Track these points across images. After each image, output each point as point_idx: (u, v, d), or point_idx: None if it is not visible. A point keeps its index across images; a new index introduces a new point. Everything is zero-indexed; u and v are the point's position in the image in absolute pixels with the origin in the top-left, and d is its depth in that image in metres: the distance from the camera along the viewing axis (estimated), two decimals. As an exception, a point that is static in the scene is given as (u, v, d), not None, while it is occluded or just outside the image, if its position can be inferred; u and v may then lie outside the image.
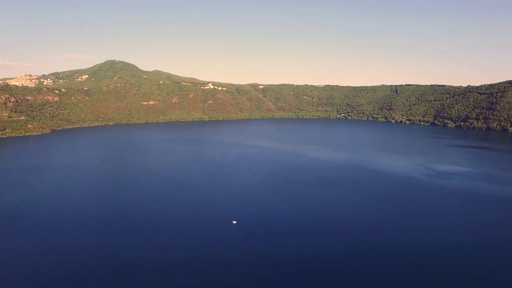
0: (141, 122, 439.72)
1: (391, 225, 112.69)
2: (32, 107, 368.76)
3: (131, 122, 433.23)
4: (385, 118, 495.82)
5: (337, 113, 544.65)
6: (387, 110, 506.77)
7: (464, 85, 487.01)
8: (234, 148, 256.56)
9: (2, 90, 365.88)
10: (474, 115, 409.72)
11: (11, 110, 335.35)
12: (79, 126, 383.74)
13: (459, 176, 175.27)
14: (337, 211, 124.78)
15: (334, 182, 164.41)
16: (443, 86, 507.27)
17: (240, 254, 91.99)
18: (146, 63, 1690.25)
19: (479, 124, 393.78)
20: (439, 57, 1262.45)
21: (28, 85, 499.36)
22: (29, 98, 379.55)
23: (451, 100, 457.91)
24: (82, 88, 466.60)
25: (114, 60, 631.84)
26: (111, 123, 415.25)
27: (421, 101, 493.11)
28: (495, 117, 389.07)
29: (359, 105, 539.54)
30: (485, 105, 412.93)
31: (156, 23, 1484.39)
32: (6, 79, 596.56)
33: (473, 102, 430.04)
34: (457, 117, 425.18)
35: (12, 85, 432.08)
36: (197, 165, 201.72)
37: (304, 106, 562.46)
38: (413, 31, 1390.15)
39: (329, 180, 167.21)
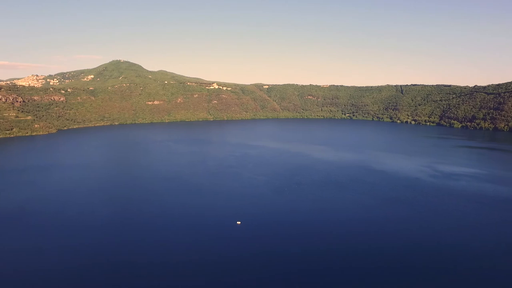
0: (146, 122, 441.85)
1: (397, 226, 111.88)
2: (38, 107, 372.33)
3: (136, 122, 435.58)
4: (391, 118, 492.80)
5: (342, 113, 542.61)
6: (393, 110, 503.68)
7: (471, 85, 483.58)
8: (239, 148, 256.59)
9: (10, 90, 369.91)
10: (481, 115, 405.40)
11: (18, 110, 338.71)
12: (84, 126, 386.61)
13: (465, 177, 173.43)
14: (342, 212, 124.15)
15: (339, 182, 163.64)
16: (449, 86, 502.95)
17: (244, 254, 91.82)
18: (151, 63, 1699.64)
19: (486, 125, 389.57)
20: (445, 57, 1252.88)
21: (35, 85, 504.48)
22: (35, 98, 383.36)
23: (458, 100, 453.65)
24: (88, 88, 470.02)
25: (120, 60, 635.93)
26: (116, 123, 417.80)
27: (427, 101, 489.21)
28: (503, 117, 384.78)
29: (364, 105, 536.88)
30: (492, 105, 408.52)
31: (161, 23, 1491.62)
32: (13, 79, 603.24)
33: (480, 102, 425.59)
34: (463, 117, 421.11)
35: (19, 85, 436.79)
36: (202, 165, 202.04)
37: (308, 106, 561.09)
38: (419, 30, 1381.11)
39: (334, 181, 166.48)
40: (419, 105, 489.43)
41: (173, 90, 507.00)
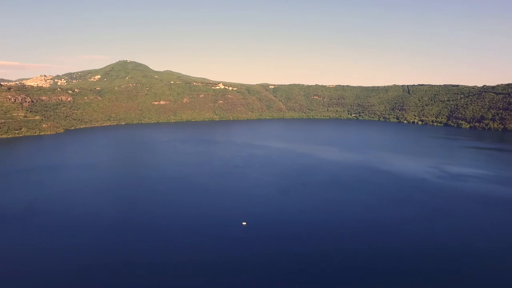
0: (152, 122, 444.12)
1: (403, 226, 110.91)
2: (46, 107, 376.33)
3: (142, 121, 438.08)
4: (397, 118, 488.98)
5: (348, 114, 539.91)
6: (399, 111, 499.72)
7: (479, 85, 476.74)
8: (245, 148, 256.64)
9: (19, 91, 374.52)
10: (490, 116, 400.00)
11: (27, 110, 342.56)
12: (91, 125, 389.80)
13: (473, 178, 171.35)
14: (347, 213, 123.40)
15: (345, 183, 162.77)
16: (457, 86, 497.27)
17: (249, 255, 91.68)
18: (158, 63, 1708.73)
19: (495, 125, 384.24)
20: (453, 57, 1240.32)
21: (43, 86, 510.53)
22: (43, 98, 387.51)
23: (466, 100, 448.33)
24: (95, 88, 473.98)
25: (126, 60, 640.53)
26: (122, 123, 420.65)
27: (434, 101, 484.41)
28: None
29: (371, 105, 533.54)
30: (501, 105, 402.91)
31: (167, 24, 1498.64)
32: (22, 79, 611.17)
33: (488, 102, 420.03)
34: (471, 117, 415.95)
35: (28, 86, 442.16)
36: (208, 165, 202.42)
37: (314, 106, 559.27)
38: (427, 30, 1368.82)
39: (340, 181, 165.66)
40: (426, 105, 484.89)
41: (179, 90, 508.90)
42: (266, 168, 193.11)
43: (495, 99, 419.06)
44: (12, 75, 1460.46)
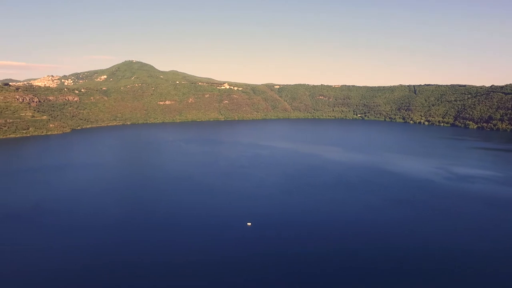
0: (158, 121, 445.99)
1: (408, 227, 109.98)
2: (53, 107, 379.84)
3: (148, 121, 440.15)
4: (403, 118, 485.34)
5: (354, 114, 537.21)
6: (405, 111, 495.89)
7: (487, 84, 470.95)
8: (250, 149, 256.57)
9: (27, 91, 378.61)
10: (498, 116, 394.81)
11: (34, 110, 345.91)
12: (97, 125, 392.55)
13: (480, 179, 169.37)
14: (352, 213, 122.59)
15: (350, 183, 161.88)
16: (464, 86, 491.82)
17: (254, 256, 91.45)
18: (163, 63, 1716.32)
19: (504, 126, 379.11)
20: (460, 57, 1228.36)
21: (50, 86, 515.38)
22: (51, 98, 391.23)
23: (473, 101, 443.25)
24: (101, 88, 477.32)
25: (132, 60, 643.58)
26: (128, 123, 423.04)
27: (441, 102, 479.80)
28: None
29: (376, 106, 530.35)
30: (510, 105, 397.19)
31: (173, 24, 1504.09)
32: (30, 79, 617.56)
33: (497, 102, 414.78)
34: (479, 118, 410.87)
35: (36, 86, 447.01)
36: (213, 165, 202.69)
37: (320, 107, 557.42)
38: (433, 30, 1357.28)
39: (345, 182, 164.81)
40: (433, 106, 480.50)
41: (184, 90, 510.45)
42: (271, 169, 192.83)
43: (503, 99, 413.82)
44: (20, 76, 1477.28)
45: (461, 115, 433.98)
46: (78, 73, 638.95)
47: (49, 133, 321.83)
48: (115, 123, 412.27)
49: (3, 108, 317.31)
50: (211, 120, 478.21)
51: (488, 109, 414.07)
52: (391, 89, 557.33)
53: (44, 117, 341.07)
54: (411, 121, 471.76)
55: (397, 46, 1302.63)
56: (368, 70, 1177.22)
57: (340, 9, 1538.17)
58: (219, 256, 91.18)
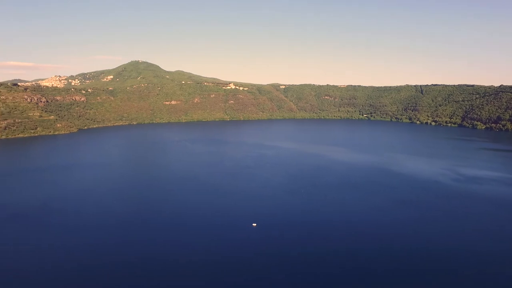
0: (164, 121, 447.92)
1: (414, 228, 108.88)
2: (60, 107, 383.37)
3: (154, 121, 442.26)
4: (410, 119, 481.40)
5: (360, 114, 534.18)
6: (412, 111, 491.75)
7: (496, 84, 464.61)
8: (256, 149, 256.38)
9: (35, 91, 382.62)
10: (508, 116, 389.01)
11: (42, 110, 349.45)
12: (104, 125, 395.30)
13: (489, 181, 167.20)
14: (358, 214, 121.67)
15: (356, 184, 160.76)
16: (472, 86, 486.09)
17: (259, 257, 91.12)
18: (169, 64, 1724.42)
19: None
20: (467, 57, 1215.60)
21: (58, 86, 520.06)
22: (58, 98, 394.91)
23: (481, 101, 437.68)
24: (107, 88, 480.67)
25: (138, 60, 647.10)
26: (134, 123, 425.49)
27: (448, 102, 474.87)
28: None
29: (383, 106, 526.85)
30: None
31: (178, 24, 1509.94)
32: (38, 80, 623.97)
33: (506, 102, 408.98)
34: (487, 118, 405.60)
35: (43, 86, 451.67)
36: (219, 165, 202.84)
37: (325, 107, 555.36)
38: (440, 30, 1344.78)
39: (351, 183, 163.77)
40: (440, 106, 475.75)
41: (190, 90, 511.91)
42: (277, 169, 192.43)
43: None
44: (28, 76, 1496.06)
45: (469, 116, 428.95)
46: (85, 73, 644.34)
47: (56, 133, 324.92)
48: (121, 123, 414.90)
49: (12, 108, 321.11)
50: (217, 120, 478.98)
51: (497, 109, 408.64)
52: (398, 89, 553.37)
53: (52, 117, 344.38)
54: (418, 122, 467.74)
55: (404, 46, 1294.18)
56: (374, 70, 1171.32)
57: (345, 9, 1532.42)
58: (224, 257, 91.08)
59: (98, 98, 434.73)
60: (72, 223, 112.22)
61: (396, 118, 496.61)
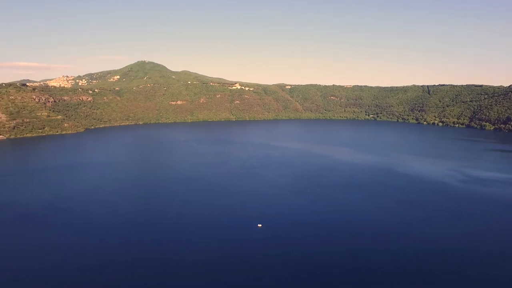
0: (170, 121, 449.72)
1: (420, 229, 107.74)
2: (68, 106, 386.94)
3: (160, 121, 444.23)
4: (416, 119, 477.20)
5: (366, 114, 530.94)
6: (419, 111, 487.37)
7: (506, 84, 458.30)
8: (261, 149, 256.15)
9: (43, 91, 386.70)
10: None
11: (50, 110, 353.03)
12: (110, 125, 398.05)
13: (497, 183, 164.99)
14: (364, 215, 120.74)
15: (362, 185, 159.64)
16: (480, 86, 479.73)
17: (264, 258, 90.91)
18: (175, 64, 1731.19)
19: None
20: (476, 56, 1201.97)
21: (65, 86, 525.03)
22: (65, 98, 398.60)
23: (490, 101, 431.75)
24: (114, 89, 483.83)
25: (144, 61, 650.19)
26: (140, 123, 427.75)
27: (456, 102, 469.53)
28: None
29: (389, 106, 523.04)
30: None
31: (184, 24, 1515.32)
32: (46, 80, 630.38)
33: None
34: (496, 119, 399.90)
35: (51, 86, 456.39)
36: (224, 165, 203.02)
37: (331, 107, 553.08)
38: (448, 30, 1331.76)
39: (357, 183, 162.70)
40: (447, 106, 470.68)
41: (196, 90, 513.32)
42: (282, 169, 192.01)
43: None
44: (36, 76, 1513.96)
45: (477, 116, 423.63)
46: (92, 74, 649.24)
47: (63, 132, 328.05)
48: (127, 123, 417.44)
49: (21, 108, 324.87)
50: (222, 120, 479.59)
51: (506, 109, 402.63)
52: (404, 89, 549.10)
53: (59, 116, 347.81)
54: (425, 122, 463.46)
55: (411, 46, 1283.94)
56: (381, 70, 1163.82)
57: (352, 9, 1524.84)
58: (229, 257, 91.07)
59: (105, 98, 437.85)
60: (79, 222, 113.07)
61: (402, 118, 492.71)
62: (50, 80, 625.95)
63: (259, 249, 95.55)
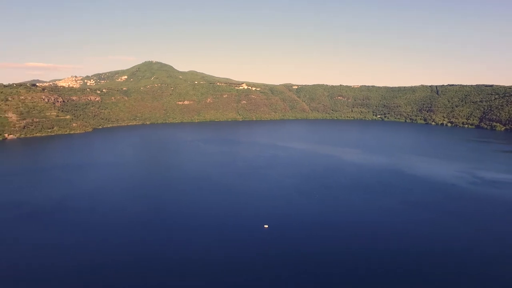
0: (177, 121, 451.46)
1: (428, 231, 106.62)
2: (76, 106, 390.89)
3: (167, 121, 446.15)
4: (425, 120, 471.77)
5: (373, 115, 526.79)
6: (427, 112, 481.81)
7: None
8: (268, 149, 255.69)
9: (52, 91, 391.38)
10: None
11: (59, 110, 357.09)
12: (118, 125, 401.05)
13: (508, 185, 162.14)
14: (371, 216, 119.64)
15: (369, 187, 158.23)
16: (491, 86, 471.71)
17: (271, 259, 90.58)
18: (182, 64, 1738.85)
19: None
20: (486, 56, 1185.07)
21: (74, 86, 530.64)
22: (74, 98, 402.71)
23: (501, 101, 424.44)
24: (122, 89, 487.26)
25: (152, 61, 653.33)
26: (147, 122, 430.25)
27: (465, 102, 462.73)
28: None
29: (397, 106, 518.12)
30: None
31: (192, 24, 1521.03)
32: (55, 80, 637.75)
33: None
34: (507, 119, 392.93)
35: (60, 86, 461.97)
36: (231, 165, 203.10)
37: (338, 107, 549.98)
38: (457, 29, 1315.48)
39: (364, 185, 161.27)
40: (457, 106, 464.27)
41: (203, 90, 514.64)
42: (289, 169, 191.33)
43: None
44: (46, 76, 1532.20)
45: (487, 117, 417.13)
46: (100, 74, 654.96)
47: (72, 132, 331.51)
48: (135, 123, 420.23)
49: (31, 108, 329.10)
50: (229, 120, 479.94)
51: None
52: (412, 89, 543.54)
53: (68, 116, 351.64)
54: (433, 123, 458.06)
55: (419, 46, 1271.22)
56: (388, 70, 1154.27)
57: (359, 9, 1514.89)
58: (235, 257, 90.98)
59: (113, 98, 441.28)
60: (86, 221, 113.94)
61: (410, 119, 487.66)
62: (59, 80, 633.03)
63: (266, 250, 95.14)
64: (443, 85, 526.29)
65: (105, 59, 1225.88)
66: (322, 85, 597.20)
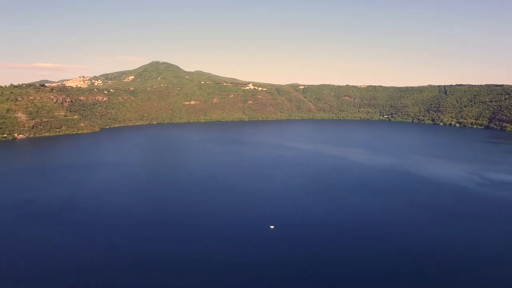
0: (183, 121, 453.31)
1: (435, 232, 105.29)
2: (84, 106, 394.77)
3: (173, 121, 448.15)
4: (432, 120, 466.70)
5: (380, 115, 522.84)
6: (435, 112, 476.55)
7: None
8: (274, 149, 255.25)
9: (60, 91, 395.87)
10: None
11: (67, 110, 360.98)
12: (125, 125, 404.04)
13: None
14: (377, 217, 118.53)
15: (376, 187, 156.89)
16: (501, 85, 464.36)
17: (276, 260, 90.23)
18: (189, 64, 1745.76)
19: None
20: (495, 56, 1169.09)
21: (82, 86, 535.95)
22: (82, 98, 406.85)
23: (511, 101, 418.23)
24: (129, 89, 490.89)
25: (158, 61, 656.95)
26: (154, 122, 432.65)
27: (474, 102, 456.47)
28: None
29: (404, 106, 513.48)
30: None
31: (198, 24, 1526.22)
32: (63, 80, 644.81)
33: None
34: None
35: (68, 86, 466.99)
36: (237, 165, 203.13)
37: (345, 107, 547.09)
38: (464, 29, 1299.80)
39: (371, 185, 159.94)
40: (465, 107, 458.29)
41: (209, 90, 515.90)
42: (295, 170, 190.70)
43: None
44: (54, 76, 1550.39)
45: (496, 117, 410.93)
46: (107, 74, 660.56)
47: (79, 132, 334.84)
48: (141, 123, 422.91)
49: (39, 108, 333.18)
50: (236, 120, 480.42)
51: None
52: (420, 89, 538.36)
53: (76, 116, 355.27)
54: (441, 123, 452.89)
55: (427, 46, 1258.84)
56: (396, 70, 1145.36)
57: (367, 10, 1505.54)
58: (240, 258, 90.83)
59: (120, 98, 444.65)
60: (92, 221, 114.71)
61: (418, 119, 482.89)
62: (67, 80, 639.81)
63: (272, 251, 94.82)
64: (451, 85, 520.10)
65: (113, 59, 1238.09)
66: (329, 85, 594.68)
